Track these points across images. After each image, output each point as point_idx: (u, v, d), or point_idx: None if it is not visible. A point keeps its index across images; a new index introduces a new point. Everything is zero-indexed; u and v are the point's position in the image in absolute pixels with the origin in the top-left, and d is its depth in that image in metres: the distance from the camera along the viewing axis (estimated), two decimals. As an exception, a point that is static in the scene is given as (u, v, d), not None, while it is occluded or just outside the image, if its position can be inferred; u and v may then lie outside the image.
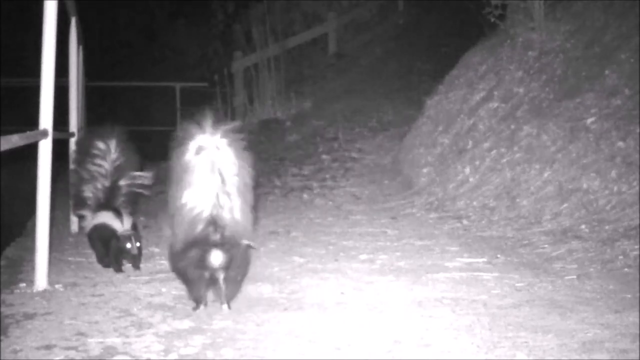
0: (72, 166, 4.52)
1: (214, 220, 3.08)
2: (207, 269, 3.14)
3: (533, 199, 5.26)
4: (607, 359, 2.67)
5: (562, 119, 5.73)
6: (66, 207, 5.35)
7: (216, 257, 3.12)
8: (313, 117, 10.72)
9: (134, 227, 4.10)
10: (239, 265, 3.22)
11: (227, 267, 3.16)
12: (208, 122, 3.05)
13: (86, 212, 4.23)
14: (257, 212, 3.46)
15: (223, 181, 3.05)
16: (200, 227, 3.08)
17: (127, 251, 3.95)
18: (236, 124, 3.18)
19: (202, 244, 3.11)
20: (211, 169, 3.04)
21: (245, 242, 3.19)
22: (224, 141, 3.06)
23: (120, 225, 4.00)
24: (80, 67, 6.49)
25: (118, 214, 4.05)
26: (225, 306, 3.24)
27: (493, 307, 3.33)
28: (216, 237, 3.10)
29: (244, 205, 3.12)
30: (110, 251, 4.01)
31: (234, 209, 3.09)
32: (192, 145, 3.05)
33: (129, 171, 4.19)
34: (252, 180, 3.14)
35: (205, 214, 3.07)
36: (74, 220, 5.24)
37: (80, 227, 4.83)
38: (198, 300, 3.25)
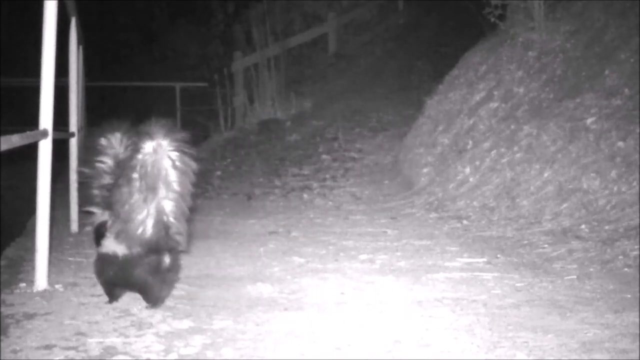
0: (77, 164, 4.50)
1: (166, 225, 3.14)
2: (161, 272, 3.23)
3: (533, 199, 5.26)
4: (607, 359, 2.67)
5: (562, 119, 5.73)
6: (66, 207, 5.35)
7: (167, 261, 3.23)
8: (313, 117, 10.72)
9: None
10: (177, 269, 3.32)
11: (170, 270, 3.26)
12: (158, 130, 3.13)
13: (94, 209, 4.21)
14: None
15: (167, 187, 3.12)
16: (154, 231, 3.13)
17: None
18: (184, 133, 3.22)
19: (157, 248, 3.17)
20: (157, 175, 3.11)
21: (180, 246, 3.27)
22: (172, 148, 3.13)
23: None
24: (80, 67, 6.49)
25: None
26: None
27: (493, 307, 3.33)
28: (168, 241, 3.18)
29: (183, 212, 3.19)
30: None
31: (175, 215, 3.16)
32: (142, 151, 3.13)
33: None
34: (192, 188, 3.21)
35: (156, 219, 3.13)
36: (74, 220, 5.24)
37: (89, 224, 4.80)
38: (113, 298, 3.32)
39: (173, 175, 3.13)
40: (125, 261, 3.19)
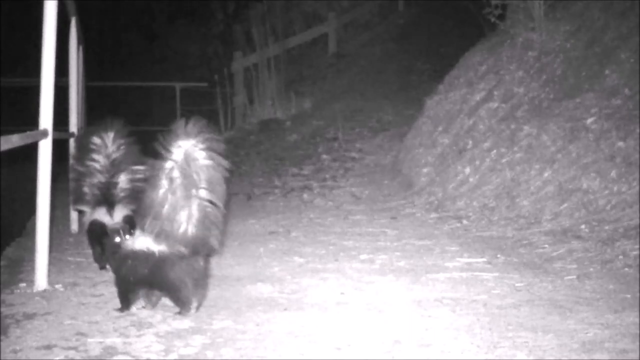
0: (70, 162, 4.50)
1: (207, 227, 3.12)
2: (196, 275, 3.23)
3: (533, 199, 5.26)
4: (607, 359, 2.67)
5: (562, 119, 5.73)
6: (66, 207, 5.35)
7: (202, 264, 3.24)
8: (313, 117, 10.73)
9: (128, 220, 4.00)
10: (209, 272, 3.34)
11: (204, 273, 3.28)
12: (188, 129, 3.08)
13: (85, 208, 4.20)
14: (228, 217, 3.54)
15: (207, 188, 3.09)
16: (198, 231, 3.12)
17: (118, 245, 3.89)
18: (217, 135, 3.21)
19: (198, 250, 3.17)
20: (196, 175, 3.08)
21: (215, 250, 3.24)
22: (202, 148, 3.09)
23: (110, 219, 3.94)
24: (80, 67, 6.49)
25: (110, 208, 3.99)
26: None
27: (493, 307, 3.33)
28: (207, 243, 3.17)
29: (221, 214, 3.15)
30: (104, 248, 3.96)
31: (214, 217, 3.13)
32: (172, 152, 3.08)
33: (128, 165, 4.13)
34: (225, 189, 3.16)
35: (199, 219, 3.10)
36: (74, 220, 5.24)
37: (82, 223, 4.80)
38: (129, 303, 3.27)
39: (211, 177, 3.09)
40: (161, 259, 3.12)
